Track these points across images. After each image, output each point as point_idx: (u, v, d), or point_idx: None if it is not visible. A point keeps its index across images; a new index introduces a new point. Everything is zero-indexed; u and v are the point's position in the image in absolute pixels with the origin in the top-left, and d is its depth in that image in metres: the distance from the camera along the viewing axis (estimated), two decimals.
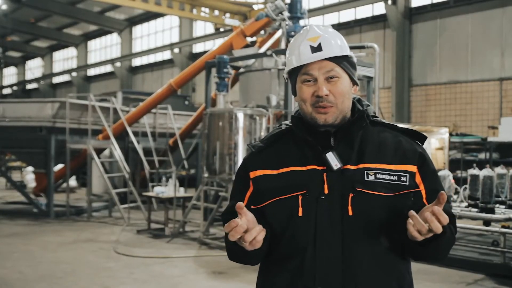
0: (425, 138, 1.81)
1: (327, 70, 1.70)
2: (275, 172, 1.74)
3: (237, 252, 1.71)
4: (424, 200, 1.74)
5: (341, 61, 1.72)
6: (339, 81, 1.70)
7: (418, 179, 1.73)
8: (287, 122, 1.86)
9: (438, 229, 1.49)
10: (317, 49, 1.69)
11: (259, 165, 1.78)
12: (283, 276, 1.70)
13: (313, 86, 1.71)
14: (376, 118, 1.80)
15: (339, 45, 1.72)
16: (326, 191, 1.66)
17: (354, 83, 1.77)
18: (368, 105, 1.82)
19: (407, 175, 1.70)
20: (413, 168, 1.72)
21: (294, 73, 1.76)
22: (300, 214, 1.67)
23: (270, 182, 1.73)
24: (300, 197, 1.68)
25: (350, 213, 1.65)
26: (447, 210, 1.76)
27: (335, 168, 1.67)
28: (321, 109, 1.69)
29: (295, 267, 1.68)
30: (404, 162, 1.72)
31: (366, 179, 1.67)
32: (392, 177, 1.68)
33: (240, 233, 1.54)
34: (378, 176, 1.68)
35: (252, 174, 1.78)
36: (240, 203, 1.56)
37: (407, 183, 1.69)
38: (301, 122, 1.77)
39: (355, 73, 1.78)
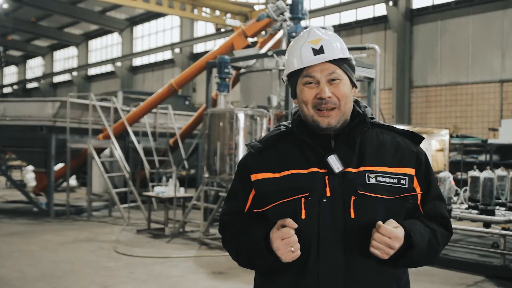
0: (422, 139, 1.82)
1: (329, 72, 1.71)
2: (277, 175, 1.74)
3: (252, 258, 1.74)
4: (419, 203, 1.77)
5: (342, 63, 1.73)
6: (340, 83, 1.72)
7: (415, 182, 1.75)
8: (286, 123, 1.87)
9: (380, 256, 1.61)
10: (319, 51, 1.70)
11: (260, 168, 1.78)
12: (286, 277, 1.71)
13: (315, 88, 1.71)
14: (373, 120, 1.81)
15: (339, 48, 1.74)
16: (328, 194, 1.68)
17: (353, 85, 1.78)
18: (366, 107, 1.83)
19: (406, 178, 1.72)
20: (411, 171, 1.74)
21: (295, 75, 1.76)
22: (303, 216, 1.68)
23: (272, 185, 1.73)
24: (303, 200, 1.69)
25: (352, 215, 1.67)
26: (439, 210, 1.79)
27: (337, 171, 1.68)
28: (324, 112, 1.69)
29: (298, 268, 1.69)
30: (403, 165, 1.74)
31: (367, 182, 1.68)
32: (392, 180, 1.70)
33: (296, 243, 1.61)
34: (379, 179, 1.69)
35: (254, 177, 1.78)
36: (291, 221, 1.62)
37: (406, 186, 1.72)
38: (302, 124, 1.77)
39: (354, 75, 1.80)
